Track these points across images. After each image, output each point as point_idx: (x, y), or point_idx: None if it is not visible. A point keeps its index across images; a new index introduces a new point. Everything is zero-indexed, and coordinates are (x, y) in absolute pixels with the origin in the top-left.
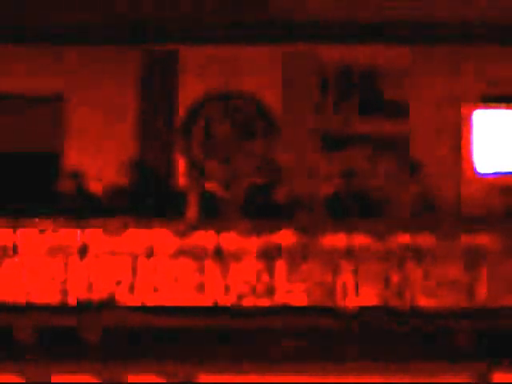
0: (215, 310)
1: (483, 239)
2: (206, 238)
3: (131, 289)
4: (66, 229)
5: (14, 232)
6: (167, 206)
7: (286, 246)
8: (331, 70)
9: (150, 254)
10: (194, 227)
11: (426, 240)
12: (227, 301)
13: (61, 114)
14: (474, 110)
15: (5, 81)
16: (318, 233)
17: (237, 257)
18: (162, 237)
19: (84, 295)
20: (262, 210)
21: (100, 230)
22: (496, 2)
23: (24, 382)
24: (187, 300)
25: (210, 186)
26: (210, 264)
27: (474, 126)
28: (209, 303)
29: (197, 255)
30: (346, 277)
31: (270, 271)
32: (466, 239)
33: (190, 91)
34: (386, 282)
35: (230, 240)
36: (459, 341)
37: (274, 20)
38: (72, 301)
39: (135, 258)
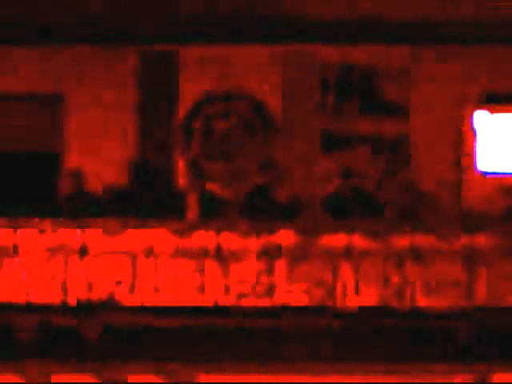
0: (215, 310)
1: (483, 239)
2: (206, 238)
3: (131, 289)
4: (65, 229)
5: (14, 232)
6: (167, 206)
7: (286, 246)
8: (331, 70)
9: (149, 254)
10: (194, 227)
11: (425, 240)
12: (227, 301)
13: (61, 114)
14: (475, 110)
15: (5, 81)
16: (317, 233)
17: (237, 257)
18: (161, 237)
19: (84, 295)
20: (262, 210)
21: (100, 230)
22: (496, 2)
23: (24, 382)
24: (187, 300)
25: (210, 186)
26: (210, 264)
27: (475, 125)
28: (209, 303)
29: (197, 255)
30: (346, 277)
31: (270, 271)
32: (465, 239)
33: (189, 91)
34: (386, 282)
35: (230, 240)
36: (459, 341)
37: (274, 20)
38: (72, 301)
39: (135, 258)
